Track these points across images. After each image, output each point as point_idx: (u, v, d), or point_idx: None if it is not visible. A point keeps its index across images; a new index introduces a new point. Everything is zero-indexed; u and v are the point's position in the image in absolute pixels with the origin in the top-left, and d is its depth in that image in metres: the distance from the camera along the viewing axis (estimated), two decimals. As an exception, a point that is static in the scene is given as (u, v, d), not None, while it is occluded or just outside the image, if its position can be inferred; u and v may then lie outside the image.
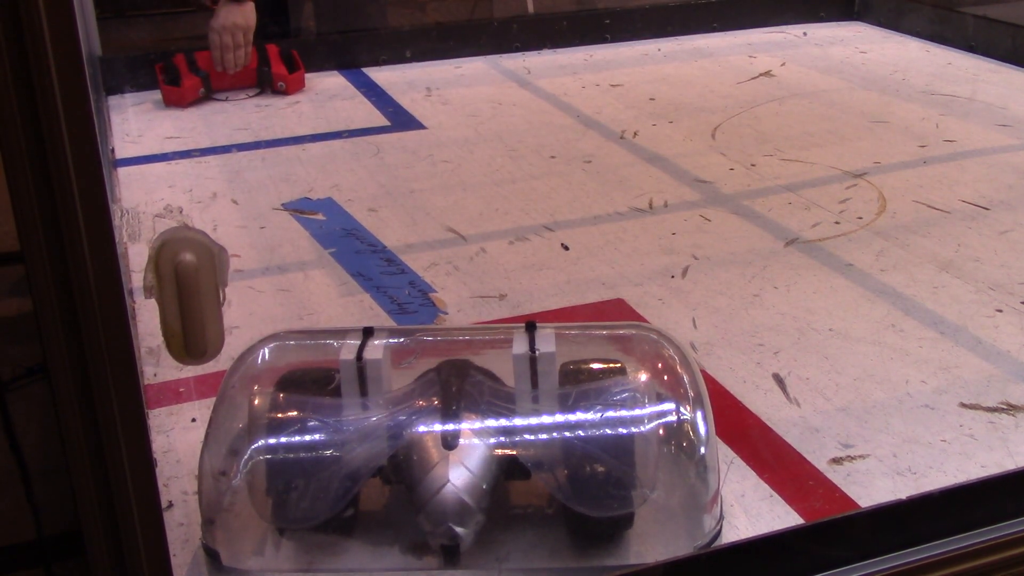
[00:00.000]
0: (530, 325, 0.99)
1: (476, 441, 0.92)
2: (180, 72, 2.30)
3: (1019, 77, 2.39)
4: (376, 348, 0.97)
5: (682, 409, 0.96)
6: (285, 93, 2.37)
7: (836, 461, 1.08)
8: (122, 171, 1.93)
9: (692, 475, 0.95)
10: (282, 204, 1.78)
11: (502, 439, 0.93)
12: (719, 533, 0.97)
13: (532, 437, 0.94)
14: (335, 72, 2.55)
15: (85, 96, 0.63)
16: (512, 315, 1.39)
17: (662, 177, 1.86)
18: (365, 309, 1.41)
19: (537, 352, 0.95)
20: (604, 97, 2.33)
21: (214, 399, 0.98)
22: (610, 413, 0.93)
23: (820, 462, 1.08)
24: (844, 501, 1.02)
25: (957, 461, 1.08)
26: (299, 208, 1.76)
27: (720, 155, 1.96)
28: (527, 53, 2.69)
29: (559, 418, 0.94)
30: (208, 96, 2.33)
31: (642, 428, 0.93)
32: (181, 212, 1.73)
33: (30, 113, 0.63)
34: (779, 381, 1.23)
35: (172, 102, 2.29)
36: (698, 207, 1.73)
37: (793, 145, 2.00)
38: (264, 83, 2.38)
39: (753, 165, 1.90)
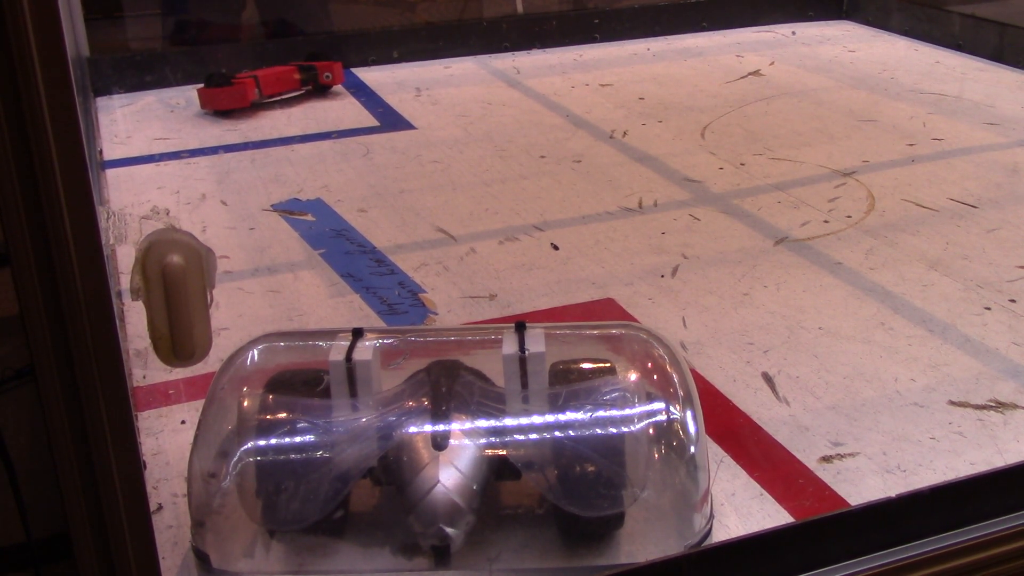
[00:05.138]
0: (520, 325, 0.99)
1: (466, 442, 0.92)
2: (230, 76, 2.25)
3: (1006, 75, 2.40)
4: (366, 349, 0.96)
5: (672, 408, 0.96)
6: (332, 83, 2.36)
7: (826, 459, 1.08)
8: (110, 173, 1.93)
9: (682, 474, 0.95)
10: (271, 205, 1.77)
11: (492, 439, 0.93)
12: (709, 532, 0.97)
13: (522, 437, 0.94)
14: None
15: (71, 98, 0.63)
16: (502, 315, 1.39)
17: (652, 176, 1.86)
18: (355, 310, 1.41)
19: (527, 352, 0.95)
20: (594, 97, 2.33)
21: (204, 401, 0.98)
22: (600, 413, 0.93)
23: (810, 460, 1.08)
24: (834, 499, 1.02)
25: (946, 459, 1.08)
26: (288, 209, 1.76)
27: (709, 154, 1.96)
28: (517, 53, 2.69)
29: (549, 418, 0.93)
30: (262, 99, 2.28)
31: (632, 428, 0.93)
32: (168, 214, 1.73)
33: (15, 115, 0.63)
34: (769, 380, 1.23)
35: (233, 104, 2.21)
36: (688, 206, 1.73)
37: (782, 144, 2.00)
38: (310, 80, 2.36)
39: (742, 164, 1.91)
